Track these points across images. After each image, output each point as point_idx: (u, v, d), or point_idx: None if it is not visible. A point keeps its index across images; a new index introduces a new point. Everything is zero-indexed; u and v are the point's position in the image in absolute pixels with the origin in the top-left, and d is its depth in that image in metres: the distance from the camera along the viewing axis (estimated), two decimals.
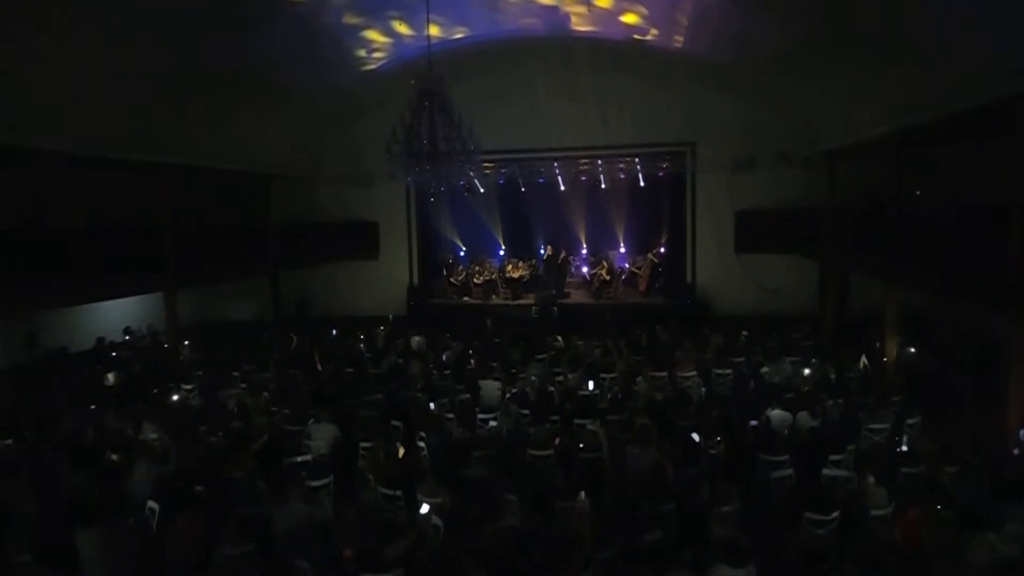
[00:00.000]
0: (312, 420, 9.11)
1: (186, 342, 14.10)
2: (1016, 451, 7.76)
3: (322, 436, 8.61)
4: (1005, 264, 7.63)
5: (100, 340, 14.04)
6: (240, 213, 16.87)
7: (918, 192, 12.59)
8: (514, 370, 11.50)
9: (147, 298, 14.56)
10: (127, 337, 14.96)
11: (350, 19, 12.44)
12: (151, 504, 6.78)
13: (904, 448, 8.19)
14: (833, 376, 10.97)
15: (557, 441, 8.35)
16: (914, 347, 12.24)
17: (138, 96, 11.12)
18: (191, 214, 14.61)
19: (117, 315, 14.98)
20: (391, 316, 15.67)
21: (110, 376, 11.92)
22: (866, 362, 11.70)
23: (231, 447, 8.18)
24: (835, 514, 6.36)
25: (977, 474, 7.00)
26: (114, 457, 7.88)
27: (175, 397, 10.81)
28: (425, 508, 6.42)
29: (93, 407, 10.28)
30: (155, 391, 11.13)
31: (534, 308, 17.31)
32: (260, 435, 8.60)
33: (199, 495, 6.95)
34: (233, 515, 6.37)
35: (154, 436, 8.67)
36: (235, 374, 11.78)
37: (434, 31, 12.03)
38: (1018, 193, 7.58)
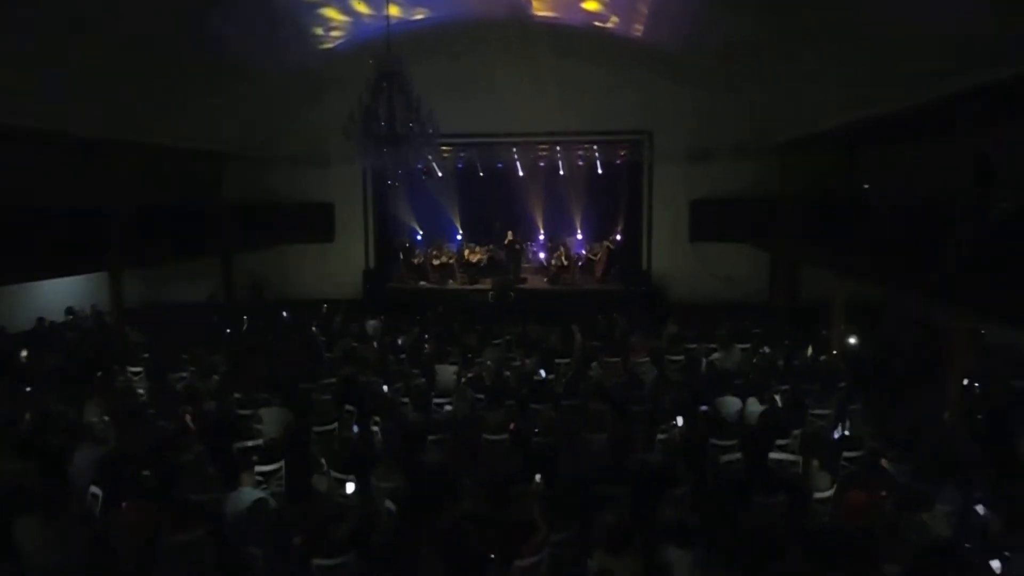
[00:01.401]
0: (264, 404, 8.96)
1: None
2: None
3: (274, 420, 8.48)
4: (947, 257, 7.91)
5: (40, 320, 13.53)
6: (192, 193, 16.43)
7: (867, 186, 12.95)
8: (470, 355, 11.50)
9: (92, 278, 14.08)
10: (70, 317, 14.46)
11: None
12: (94, 490, 6.61)
13: (846, 432, 8.47)
14: (781, 363, 11.27)
15: (512, 426, 8.40)
16: (859, 336, 12.64)
17: (83, 70, 10.68)
18: (140, 192, 14.14)
19: (59, 295, 14.45)
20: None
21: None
22: (813, 350, 12.05)
23: (179, 431, 8.01)
24: (781, 496, 6.55)
25: (914, 457, 7.29)
26: (55, 442, 7.63)
27: (120, 380, 10.52)
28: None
29: (33, 389, 9.92)
30: (99, 373, 10.79)
31: (491, 293, 17.31)
32: (209, 419, 8.44)
33: (146, 480, 6.79)
34: (181, 501, 6.24)
35: (97, 420, 8.43)
36: (184, 357, 11.51)
37: (394, 11, 11.84)
38: (960, 188, 7.85)
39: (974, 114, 7.75)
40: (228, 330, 13.62)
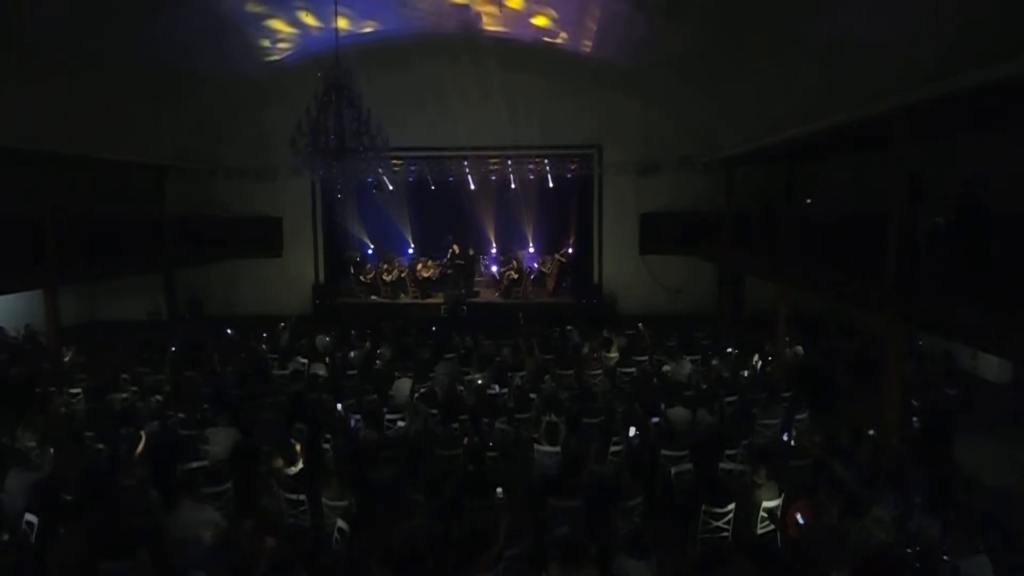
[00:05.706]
0: (209, 424, 8.71)
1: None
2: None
3: (221, 441, 8.25)
4: (883, 270, 8.21)
5: None
6: (133, 206, 15.90)
7: (808, 200, 13.37)
8: (423, 369, 11.39)
9: (25, 296, 13.45)
10: None
11: (253, 7, 11.98)
12: (29, 517, 6.30)
13: (792, 442, 8.67)
14: (728, 374, 11.49)
15: (466, 441, 8.35)
16: (802, 346, 12.98)
17: (15, 78, 10.29)
18: (78, 206, 13.59)
19: None
20: (283, 323, 14.97)
21: None
22: (758, 360, 12.32)
23: (120, 454, 7.72)
24: (730, 506, 6.67)
25: (857, 464, 7.51)
26: None
27: (57, 402, 10.08)
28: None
29: None
30: (34, 395, 10.31)
31: (443, 307, 17.23)
32: (152, 441, 8.16)
33: (84, 506, 6.51)
34: (122, 525, 6.01)
35: (32, 444, 8.05)
36: (124, 377, 11.11)
37: (342, 24, 11.76)
38: (896, 203, 8.17)
39: (909, 131, 8.06)
40: (172, 348, 13.18)
